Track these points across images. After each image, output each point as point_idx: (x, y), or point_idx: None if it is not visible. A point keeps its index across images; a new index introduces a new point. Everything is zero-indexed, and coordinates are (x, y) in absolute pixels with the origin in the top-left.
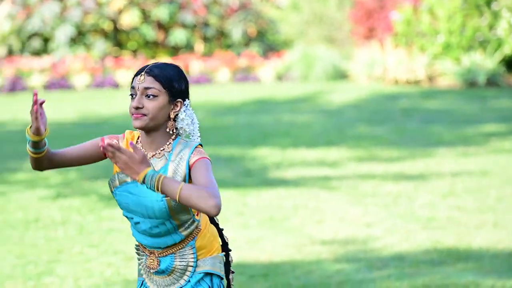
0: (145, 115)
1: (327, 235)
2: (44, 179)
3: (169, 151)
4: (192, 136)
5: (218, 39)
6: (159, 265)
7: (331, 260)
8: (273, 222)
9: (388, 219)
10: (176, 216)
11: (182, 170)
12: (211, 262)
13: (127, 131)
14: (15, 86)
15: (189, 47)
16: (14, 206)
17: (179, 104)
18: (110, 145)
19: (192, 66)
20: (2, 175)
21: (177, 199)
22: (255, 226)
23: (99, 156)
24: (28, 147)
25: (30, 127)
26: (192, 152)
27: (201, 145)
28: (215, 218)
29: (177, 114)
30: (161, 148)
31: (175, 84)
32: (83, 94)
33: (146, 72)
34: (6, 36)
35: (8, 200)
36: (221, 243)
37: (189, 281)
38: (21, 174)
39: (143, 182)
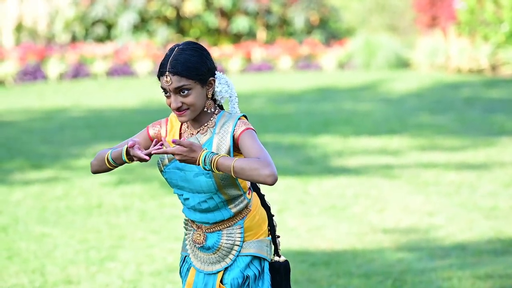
0: (187, 109)
1: (389, 223)
2: None
3: (213, 126)
4: (231, 97)
5: (280, 26)
6: (205, 240)
7: (392, 249)
8: (335, 210)
9: (450, 208)
10: (224, 190)
11: (227, 142)
12: (257, 245)
13: (171, 114)
14: (78, 72)
15: (251, 35)
16: (77, 192)
17: (212, 82)
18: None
19: (254, 53)
20: (64, 161)
21: (233, 175)
22: (316, 214)
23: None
24: (112, 162)
25: (127, 153)
26: (236, 124)
27: (245, 116)
28: (267, 201)
29: (213, 91)
30: (205, 124)
31: (201, 70)
32: (145, 80)
33: (169, 72)
34: (70, 23)
35: (70, 186)
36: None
37: (235, 260)
38: (84, 160)
39: (201, 163)
